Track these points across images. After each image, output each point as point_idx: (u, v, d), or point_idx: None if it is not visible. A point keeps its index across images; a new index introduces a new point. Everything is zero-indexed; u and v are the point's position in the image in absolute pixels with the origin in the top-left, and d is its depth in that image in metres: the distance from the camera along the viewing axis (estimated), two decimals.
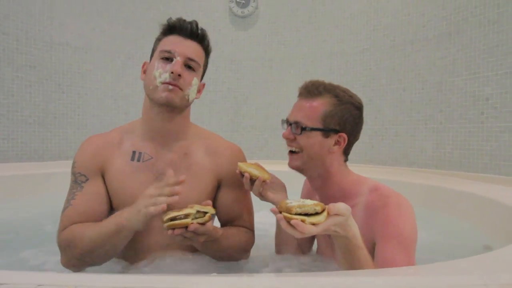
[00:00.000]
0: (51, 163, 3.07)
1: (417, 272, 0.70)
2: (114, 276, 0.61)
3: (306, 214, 0.69)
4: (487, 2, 2.59)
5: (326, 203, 0.91)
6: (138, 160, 1.01)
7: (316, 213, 0.70)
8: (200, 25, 1.02)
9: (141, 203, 0.84)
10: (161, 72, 0.95)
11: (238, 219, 1.10)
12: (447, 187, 1.99)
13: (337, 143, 0.96)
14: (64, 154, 3.36)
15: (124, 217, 0.86)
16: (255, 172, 1.00)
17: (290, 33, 3.76)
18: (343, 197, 0.94)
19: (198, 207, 0.84)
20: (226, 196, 1.08)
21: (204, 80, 1.10)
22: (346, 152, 1.01)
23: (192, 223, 0.80)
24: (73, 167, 1.02)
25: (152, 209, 0.81)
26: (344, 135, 0.96)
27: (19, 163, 3.07)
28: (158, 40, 1.03)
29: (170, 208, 0.83)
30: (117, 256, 1.05)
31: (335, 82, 1.03)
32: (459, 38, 2.76)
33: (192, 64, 0.99)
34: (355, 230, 0.76)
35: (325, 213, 0.70)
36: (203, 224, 0.82)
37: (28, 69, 3.19)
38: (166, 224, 0.82)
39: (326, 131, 0.95)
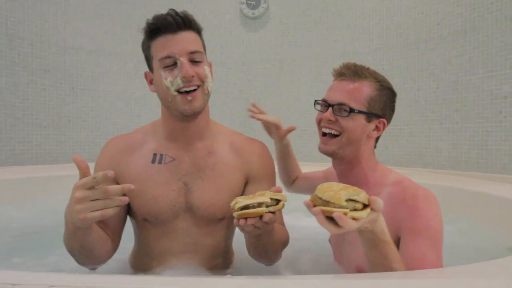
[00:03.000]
0: (65, 165, 3.10)
1: (441, 275, 0.67)
2: (126, 277, 0.60)
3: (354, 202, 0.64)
4: None
5: None
6: (160, 162, 0.97)
7: (365, 206, 0.65)
8: (175, 9, 0.93)
9: (71, 206, 0.72)
10: (172, 80, 0.88)
11: None
12: (465, 188, 1.93)
13: (376, 128, 0.95)
14: None
15: (68, 217, 0.76)
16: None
17: (301, 33, 3.73)
18: (366, 185, 0.91)
19: (270, 194, 0.75)
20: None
21: (215, 81, 1.06)
22: (378, 139, 0.99)
23: (267, 212, 0.72)
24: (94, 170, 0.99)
25: (81, 216, 0.71)
26: (384, 120, 0.95)
27: (34, 165, 3.12)
28: (148, 46, 0.94)
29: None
30: (131, 264, 1.04)
31: None
32: (475, 36, 2.70)
33: (196, 56, 0.91)
34: (383, 225, 0.71)
35: (368, 209, 0.65)
36: (273, 213, 0.74)
37: (43, 73, 3.24)
38: (236, 213, 0.73)
39: (371, 115, 0.92)
